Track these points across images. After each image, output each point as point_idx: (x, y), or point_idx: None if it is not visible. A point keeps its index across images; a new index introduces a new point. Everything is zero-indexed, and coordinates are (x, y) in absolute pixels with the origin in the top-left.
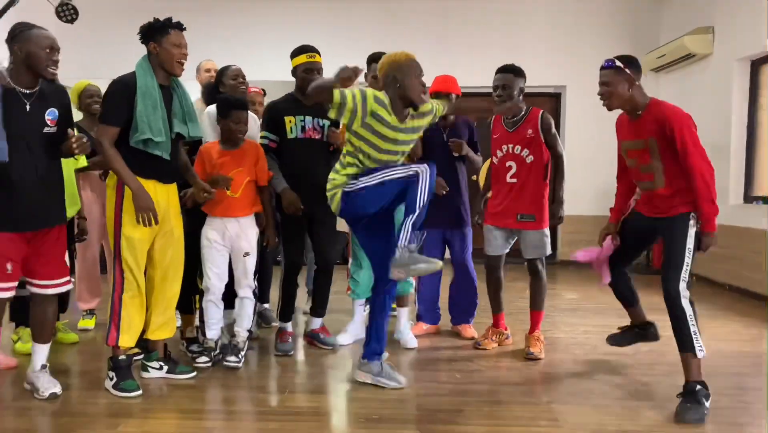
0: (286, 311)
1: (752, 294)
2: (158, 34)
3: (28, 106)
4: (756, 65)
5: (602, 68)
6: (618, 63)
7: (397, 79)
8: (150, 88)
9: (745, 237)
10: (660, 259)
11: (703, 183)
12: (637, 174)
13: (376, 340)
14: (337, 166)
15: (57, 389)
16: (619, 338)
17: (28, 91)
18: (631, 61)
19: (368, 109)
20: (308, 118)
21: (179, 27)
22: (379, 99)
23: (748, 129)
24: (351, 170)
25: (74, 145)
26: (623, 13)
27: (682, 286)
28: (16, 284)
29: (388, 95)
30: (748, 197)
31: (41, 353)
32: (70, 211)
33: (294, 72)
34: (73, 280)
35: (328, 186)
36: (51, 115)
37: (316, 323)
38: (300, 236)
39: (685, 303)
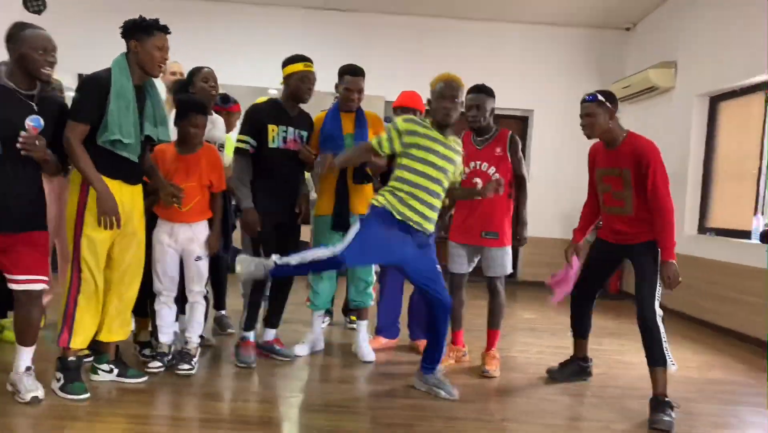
0: (252, 319)
1: (703, 322)
2: (143, 33)
3: (35, 108)
4: (714, 102)
5: (584, 101)
6: (600, 97)
7: (430, 101)
8: (125, 88)
9: (698, 267)
10: (615, 285)
11: (667, 220)
12: (609, 199)
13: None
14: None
15: (39, 392)
16: (559, 373)
17: (27, 93)
18: (610, 96)
19: (401, 130)
20: (290, 129)
21: (165, 30)
22: (409, 118)
23: (704, 163)
24: (386, 195)
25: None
26: (592, 44)
27: (656, 305)
28: None
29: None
30: (702, 228)
31: (27, 355)
32: None
33: (287, 79)
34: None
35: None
36: (34, 122)
37: (270, 334)
38: (273, 242)
39: (659, 321)
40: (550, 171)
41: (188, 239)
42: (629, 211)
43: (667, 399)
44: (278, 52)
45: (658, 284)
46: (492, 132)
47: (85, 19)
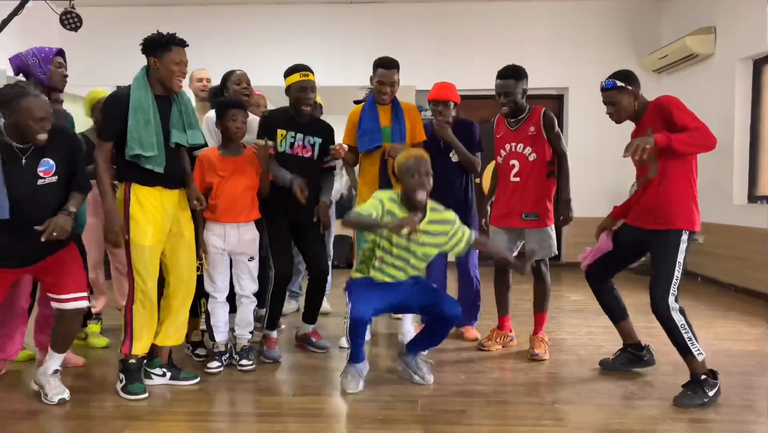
0: (274, 319)
1: (756, 294)
2: (160, 50)
3: (23, 161)
4: (758, 65)
5: (604, 89)
6: (619, 83)
7: (401, 180)
8: (143, 102)
9: (748, 237)
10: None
11: (701, 129)
12: (639, 169)
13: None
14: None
15: (66, 394)
16: (613, 363)
17: (23, 146)
18: (629, 77)
19: (385, 209)
20: (299, 135)
21: (182, 44)
22: (393, 198)
23: (751, 129)
24: (362, 269)
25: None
26: (624, 15)
27: (671, 300)
28: None
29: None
30: (752, 197)
31: (57, 360)
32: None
33: (287, 91)
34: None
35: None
36: (44, 166)
37: (308, 328)
38: (288, 247)
39: (676, 315)
40: (590, 149)
41: (238, 241)
42: (653, 173)
43: (704, 377)
44: (305, 49)
45: (675, 277)
46: (525, 112)
47: (122, 33)
